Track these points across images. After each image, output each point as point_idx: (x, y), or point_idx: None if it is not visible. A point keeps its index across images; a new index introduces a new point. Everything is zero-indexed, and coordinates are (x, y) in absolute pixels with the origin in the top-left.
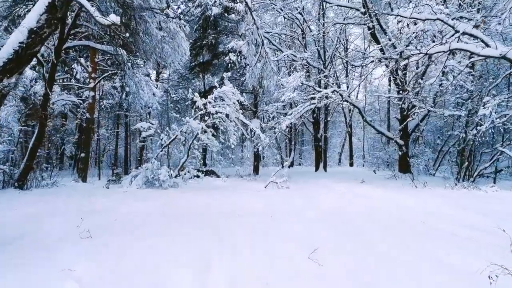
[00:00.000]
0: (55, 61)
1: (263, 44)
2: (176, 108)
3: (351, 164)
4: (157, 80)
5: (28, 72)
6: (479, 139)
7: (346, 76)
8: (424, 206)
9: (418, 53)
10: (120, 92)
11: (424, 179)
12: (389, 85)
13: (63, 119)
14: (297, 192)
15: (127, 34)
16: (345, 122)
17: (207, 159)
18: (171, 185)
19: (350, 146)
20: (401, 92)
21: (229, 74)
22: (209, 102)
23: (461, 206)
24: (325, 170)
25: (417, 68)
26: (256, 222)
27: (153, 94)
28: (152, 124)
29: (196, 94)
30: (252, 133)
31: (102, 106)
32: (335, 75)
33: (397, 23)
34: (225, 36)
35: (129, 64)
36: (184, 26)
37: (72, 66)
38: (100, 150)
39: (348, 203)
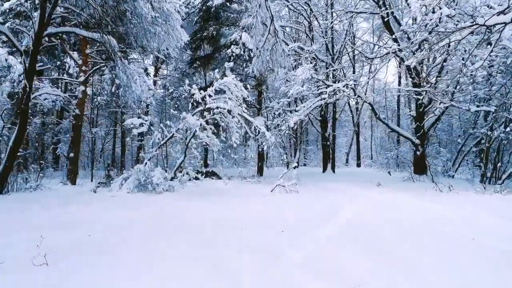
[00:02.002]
0: (34, 49)
1: (272, 20)
2: (176, 106)
3: (358, 165)
4: (155, 76)
5: (18, 66)
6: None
7: (353, 72)
8: (465, 216)
9: (471, 25)
10: (109, 85)
11: (444, 181)
12: (399, 83)
13: (54, 116)
14: (309, 197)
15: (114, 15)
16: (352, 120)
17: (209, 159)
18: (166, 189)
19: (357, 146)
20: (423, 84)
21: (231, 64)
22: (209, 96)
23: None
24: (334, 171)
25: (431, 61)
26: (264, 239)
27: (147, 87)
28: (145, 120)
29: (194, 86)
30: (256, 131)
31: (97, 103)
32: (342, 71)
33: (420, 8)
34: (227, 28)
35: (120, 54)
36: (180, 7)
37: (65, 60)
38: (94, 149)
39: (372, 211)
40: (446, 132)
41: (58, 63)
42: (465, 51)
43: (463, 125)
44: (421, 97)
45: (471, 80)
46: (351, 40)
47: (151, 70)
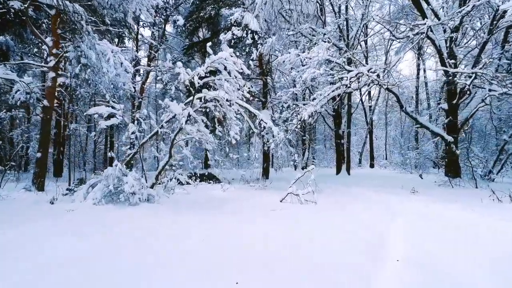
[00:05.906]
0: None
1: None
2: (171, 98)
3: (372, 165)
4: (149, 65)
5: None
6: None
7: (366, 63)
8: None
9: None
10: (75, 66)
11: (486, 186)
12: (418, 76)
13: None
14: (332, 212)
15: None
16: (365, 117)
17: (210, 160)
18: (145, 198)
19: (370, 145)
20: (457, 66)
21: (229, 35)
22: (200, 77)
23: None
24: (348, 173)
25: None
26: None
27: (125, 70)
28: (116, 109)
29: (179, 64)
30: (262, 126)
31: (79, 95)
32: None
33: None
34: (227, 8)
35: (88, 27)
36: None
37: (43, 47)
38: (71, 149)
39: (439, 242)
40: (476, 128)
41: (35, 50)
42: None
43: (496, 119)
44: (468, 83)
45: None
46: (364, 31)
47: (145, 61)
